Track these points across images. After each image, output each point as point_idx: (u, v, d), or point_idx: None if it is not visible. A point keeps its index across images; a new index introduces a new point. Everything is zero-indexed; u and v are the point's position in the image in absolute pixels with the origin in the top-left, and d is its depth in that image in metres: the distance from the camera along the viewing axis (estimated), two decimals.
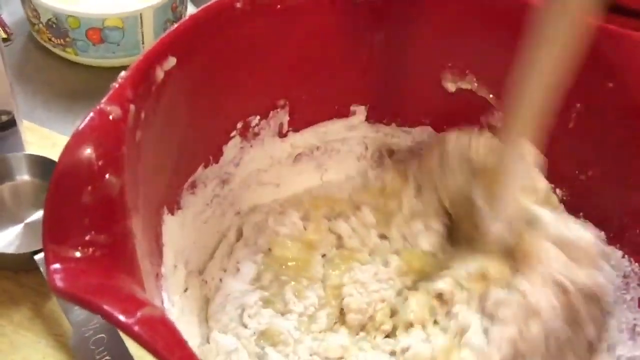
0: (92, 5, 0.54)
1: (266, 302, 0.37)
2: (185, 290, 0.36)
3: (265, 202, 0.42)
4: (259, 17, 0.34)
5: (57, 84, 0.56)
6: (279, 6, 0.34)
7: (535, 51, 0.33)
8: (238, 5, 0.33)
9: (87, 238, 0.22)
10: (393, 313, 0.38)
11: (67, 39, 0.53)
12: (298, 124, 0.42)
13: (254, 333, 0.36)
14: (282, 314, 0.37)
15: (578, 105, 0.39)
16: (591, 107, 0.39)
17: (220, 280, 0.38)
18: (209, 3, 0.32)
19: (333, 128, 0.44)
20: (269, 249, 0.40)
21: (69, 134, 0.24)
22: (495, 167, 0.38)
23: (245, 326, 0.36)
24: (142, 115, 0.28)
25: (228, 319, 0.36)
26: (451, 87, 0.42)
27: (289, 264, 0.39)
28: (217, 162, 0.38)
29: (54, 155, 0.44)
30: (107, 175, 0.23)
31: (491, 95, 0.42)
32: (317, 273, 0.39)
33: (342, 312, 0.38)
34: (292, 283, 0.38)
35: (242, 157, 0.40)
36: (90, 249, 0.22)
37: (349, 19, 0.38)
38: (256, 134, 0.40)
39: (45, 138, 0.50)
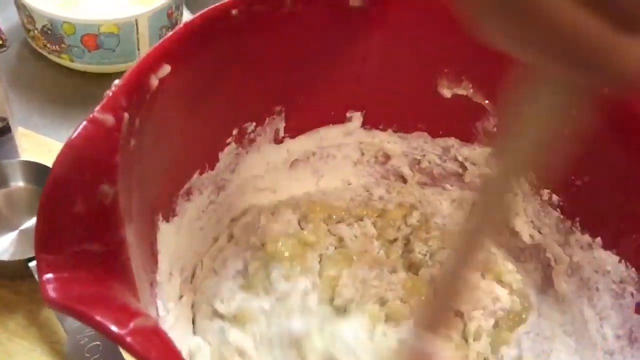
0: (87, 11, 0.54)
1: (246, 287, 0.37)
2: (181, 297, 0.35)
3: (258, 204, 0.42)
4: (255, 25, 0.34)
5: (53, 90, 0.56)
6: (274, 13, 0.34)
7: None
8: (233, 12, 0.32)
9: (80, 247, 0.22)
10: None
11: (63, 45, 0.53)
12: (294, 130, 0.42)
13: (225, 321, 0.35)
14: (259, 295, 0.37)
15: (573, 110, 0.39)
16: (586, 112, 0.39)
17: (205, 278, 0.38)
18: (204, 10, 0.32)
19: (329, 134, 0.44)
20: (262, 245, 0.39)
21: (64, 141, 0.24)
22: None
23: (216, 315, 0.36)
24: (136, 123, 0.28)
25: (200, 317, 0.36)
26: (447, 93, 0.42)
27: (283, 255, 0.39)
28: (212, 168, 0.38)
29: (49, 161, 0.44)
30: (100, 184, 0.23)
31: (487, 101, 0.42)
32: (312, 267, 0.39)
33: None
34: (283, 270, 0.38)
35: (238, 164, 0.40)
36: (84, 259, 0.21)
37: (344, 26, 0.38)
38: (252, 140, 0.40)
39: (40, 144, 0.50)
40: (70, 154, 0.23)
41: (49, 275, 0.21)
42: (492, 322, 0.40)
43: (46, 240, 0.22)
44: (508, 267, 0.42)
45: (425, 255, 0.42)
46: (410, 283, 0.40)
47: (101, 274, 0.22)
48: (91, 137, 0.24)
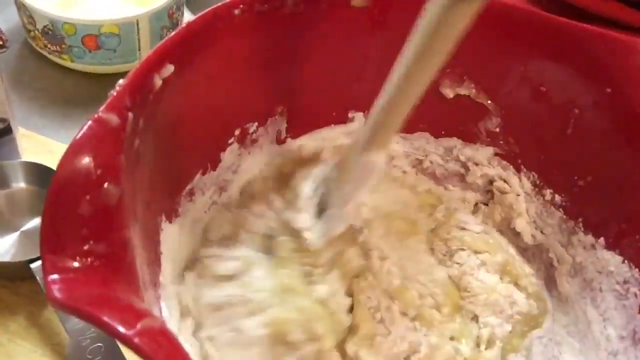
0: (88, 11, 0.53)
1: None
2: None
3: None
4: (257, 24, 0.34)
5: (53, 90, 0.55)
6: (276, 13, 0.34)
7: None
8: (235, 12, 0.32)
9: (85, 248, 0.21)
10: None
11: (63, 46, 0.53)
12: (296, 130, 0.42)
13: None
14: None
15: (576, 111, 0.39)
16: (589, 113, 0.39)
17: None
18: (206, 10, 0.32)
19: (331, 134, 0.43)
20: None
21: (65, 141, 0.24)
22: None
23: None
24: (140, 122, 0.28)
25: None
26: (449, 93, 0.42)
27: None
28: (214, 169, 0.38)
29: (50, 162, 0.44)
30: (105, 184, 0.23)
31: (489, 101, 0.42)
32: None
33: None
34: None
35: (240, 164, 0.40)
36: (89, 259, 0.21)
37: (346, 26, 0.38)
38: (254, 141, 0.40)
39: (41, 145, 0.50)
40: (75, 154, 0.23)
41: (55, 276, 0.21)
42: (508, 328, 0.39)
43: (51, 241, 0.21)
44: (525, 270, 0.42)
45: (445, 255, 0.42)
46: (450, 286, 0.40)
47: (106, 274, 0.22)
48: (96, 137, 0.24)
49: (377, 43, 0.40)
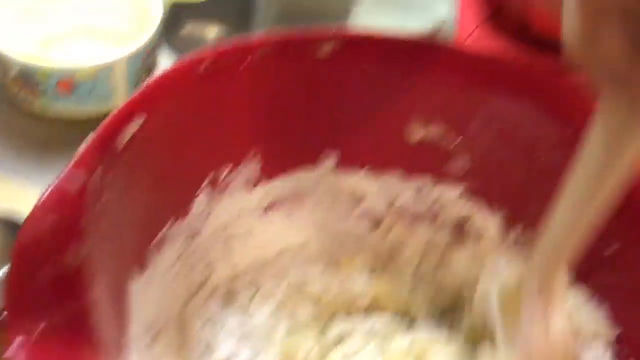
0: (62, 57, 0.54)
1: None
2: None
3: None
4: (224, 77, 0.34)
5: (27, 135, 0.55)
6: (241, 66, 0.35)
7: (576, 177, 0.30)
8: (202, 67, 0.33)
9: (48, 314, 0.22)
10: None
11: (37, 91, 0.53)
12: (269, 173, 0.42)
13: None
14: None
15: (542, 149, 0.40)
16: (555, 151, 0.39)
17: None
18: (171, 67, 0.33)
19: (304, 175, 0.44)
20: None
21: (39, 186, 0.24)
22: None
23: None
24: (109, 177, 0.28)
25: None
26: (418, 132, 0.43)
27: None
28: (185, 216, 0.38)
29: (20, 206, 0.44)
30: (69, 248, 0.23)
31: (458, 141, 0.42)
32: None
33: None
34: None
35: (211, 210, 0.40)
36: (51, 326, 0.21)
37: (313, 77, 0.39)
38: (226, 186, 0.40)
39: (13, 190, 0.50)
40: (39, 217, 0.23)
41: (19, 340, 0.21)
42: None
43: (14, 307, 0.22)
44: None
45: None
46: None
47: (70, 339, 0.22)
48: (61, 198, 0.24)
49: (347, 87, 0.41)
